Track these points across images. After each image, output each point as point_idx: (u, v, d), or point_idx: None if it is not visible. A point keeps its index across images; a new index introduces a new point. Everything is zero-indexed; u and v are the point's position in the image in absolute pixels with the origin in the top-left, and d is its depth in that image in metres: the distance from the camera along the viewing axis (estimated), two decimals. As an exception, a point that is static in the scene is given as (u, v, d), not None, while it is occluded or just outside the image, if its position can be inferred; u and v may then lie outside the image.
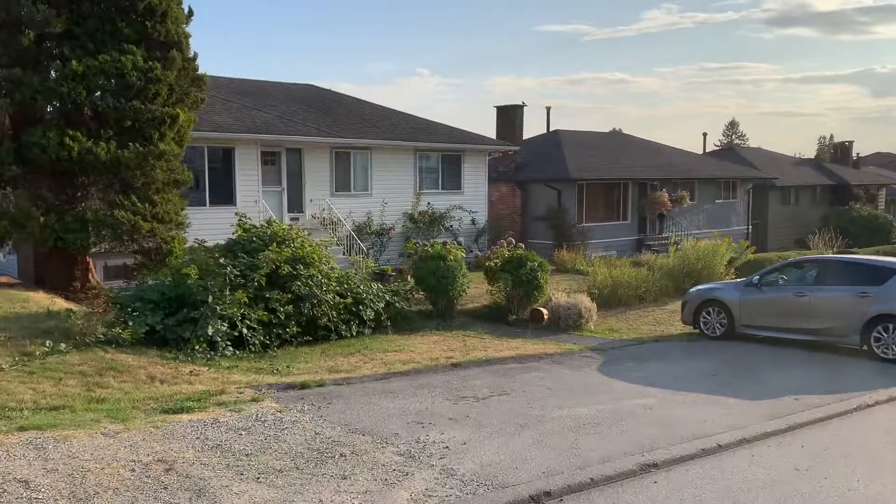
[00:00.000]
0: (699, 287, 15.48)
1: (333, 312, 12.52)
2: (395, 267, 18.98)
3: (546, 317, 15.76)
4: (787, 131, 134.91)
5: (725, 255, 20.07)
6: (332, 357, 11.51)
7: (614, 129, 36.18)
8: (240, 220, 13.23)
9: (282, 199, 20.57)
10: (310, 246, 12.76)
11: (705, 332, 14.49)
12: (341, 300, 12.73)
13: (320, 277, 12.51)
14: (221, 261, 11.64)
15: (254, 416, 7.55)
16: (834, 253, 23.59)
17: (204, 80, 15.35)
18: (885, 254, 23.77)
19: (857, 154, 50.50)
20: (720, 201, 33.30)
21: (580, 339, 14.21)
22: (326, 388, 9.14)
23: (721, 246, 19.86)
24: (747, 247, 21.23)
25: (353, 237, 20.17)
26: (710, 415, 8.58)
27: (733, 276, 19.30)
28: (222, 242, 13.00)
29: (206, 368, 9.97)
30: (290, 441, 6.82)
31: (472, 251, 21.82)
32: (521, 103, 28.69)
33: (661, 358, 12.48)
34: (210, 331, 10.63)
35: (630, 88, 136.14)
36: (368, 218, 21.94)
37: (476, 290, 17.49)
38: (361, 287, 13.29)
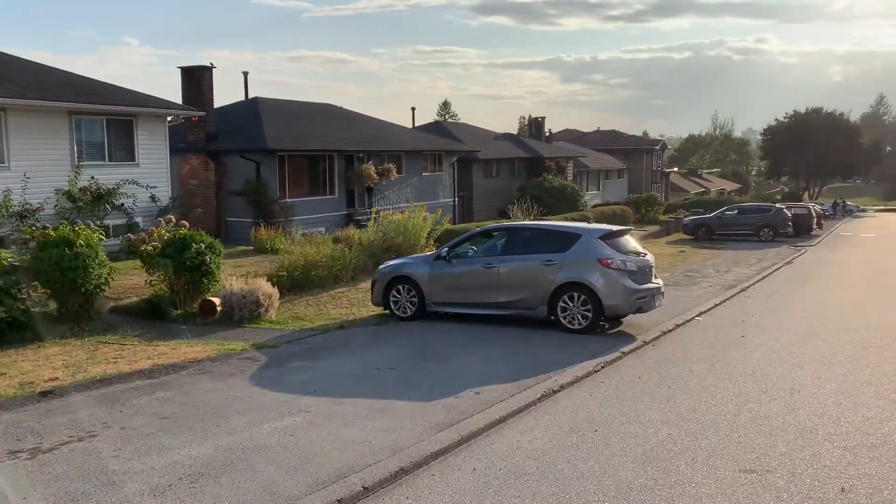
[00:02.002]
0: (389, 263, 13.63)
1: None
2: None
3: (219, 308, 12.90)
4: (493, 113, 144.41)
5: (425, 227, 18.69)
6: None
7: (362, 114, 33.84)
8: None
9: None
10: None
11: (396, 312, 12.66)
12: None
13: None
14: None
15: None
16: (530, 221, 23.57)
17: None
18: (573, 220, 24.32)
19: (550, 130, 53.81)
20: (427, 174, 32.58)
21: (253, 334, 11.58)
22: None
23: (419, 217, 18.42)
24: (441, 216, 19.99)
25: (-26, 222, 15.43)
26: (369, 433, 6.46)
27: (434, 248, 17.95)
28: None
29: None
30: None
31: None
32: (209, 64, 24.98)
33: (339, 350, 10.30)
34: None
35: (350, 67, 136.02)
36: (6, 197, 17.15)
37: (141, 280, 14.10)
38: (-73, 289, 9.31)
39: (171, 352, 10.11)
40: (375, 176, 27.57)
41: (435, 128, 40.38)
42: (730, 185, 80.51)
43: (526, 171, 41.46)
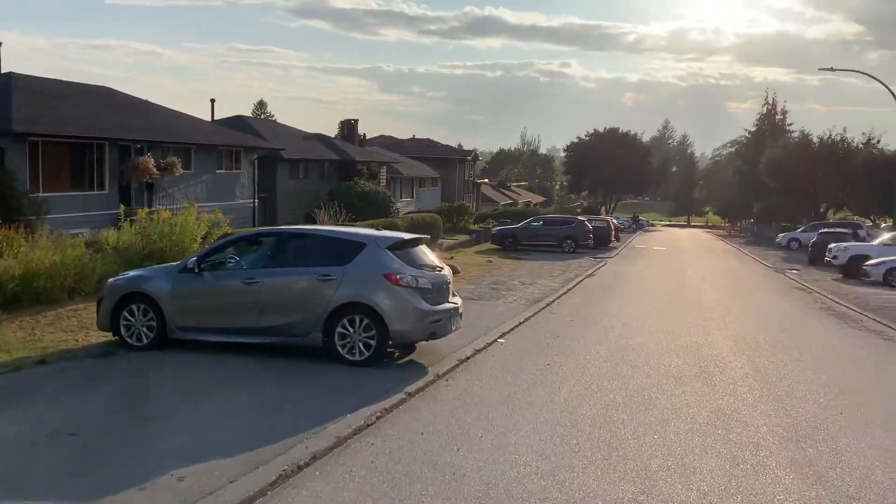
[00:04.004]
0: (124, 275, 10.43)
1: None
2: None
3: None
4: (313, 116, 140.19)
5: (198, 229, 15.53)
6: None
7: (147, 101, 29.05)
8: None
9: None
10: None
11: (128, 340, 9.55)
12: None
13: None
14: None
15: None
16: (337, 227, 20.99)
17: None
18: (382, 227, 22.05)
19: (364, 134, 51.60)
20: (222, 172, 28.95)
21: None
22: None
23: (190, 217, 15.24)
24: (222, 217, 16.80)
25: None
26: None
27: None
28: None
29: None
30: None
31: None
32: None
33: (18, 401, 7.13)
34: None
35: (162, 61, 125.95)
36: None
37: None
38: None
39: None
40: (155, 170, 23.63)
41: (237, 122, 36.49)
42: (536, 198, 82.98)
43: (337, 175, 38.81)
